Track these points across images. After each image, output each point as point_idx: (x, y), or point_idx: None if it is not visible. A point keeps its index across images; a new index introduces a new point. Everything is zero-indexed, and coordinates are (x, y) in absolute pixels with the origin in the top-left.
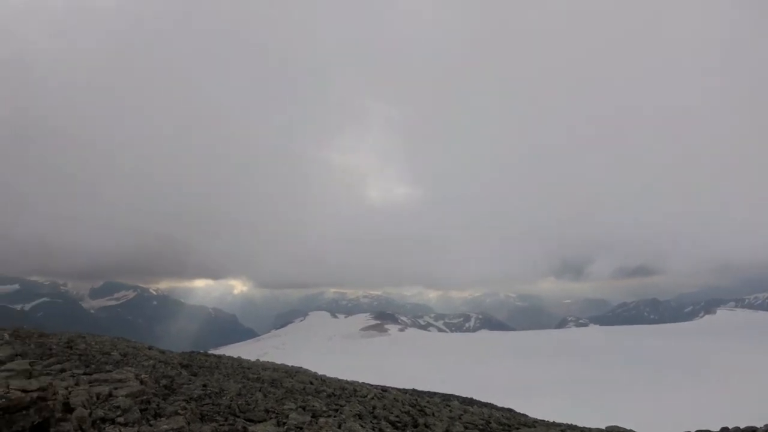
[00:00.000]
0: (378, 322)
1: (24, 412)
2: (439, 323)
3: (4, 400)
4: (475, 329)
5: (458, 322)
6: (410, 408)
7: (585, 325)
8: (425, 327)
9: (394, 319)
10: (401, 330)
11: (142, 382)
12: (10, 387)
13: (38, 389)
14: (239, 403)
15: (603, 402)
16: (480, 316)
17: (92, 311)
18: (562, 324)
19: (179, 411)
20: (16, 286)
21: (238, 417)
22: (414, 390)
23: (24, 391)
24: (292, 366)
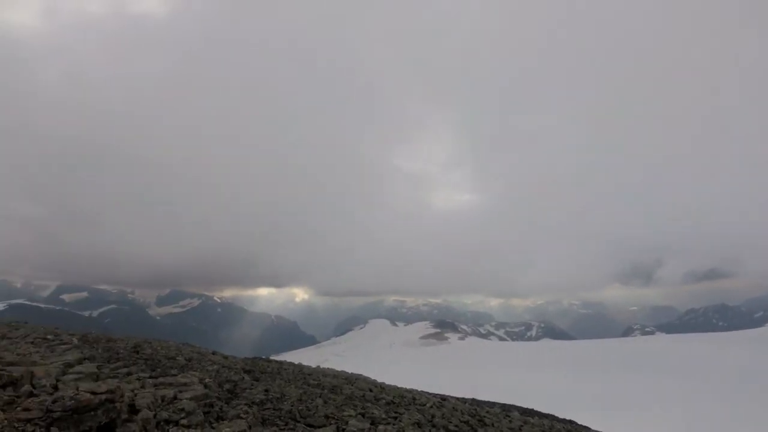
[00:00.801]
0: (438, 330)
1: (92, 413)
2: (500, 332)
3: (73, 401)
4: (536, 338)
5: (519, 331)
6: (469, 418)
7: (651, 333)
8: (486, 335)
9: (454, 328)
10: (461, 338)
11: (205, 386)
12: (80, 389)
13: (106, 391)
14: (300, 408)
15: (673, 416)
16: (542, 325)
17: (158, 318)
18: (627, 332)
19: (241, 415)
20: (85, 294)
21: (299, 422)
22: (473, 399)
23: (93, 393)
24: (352, 373)
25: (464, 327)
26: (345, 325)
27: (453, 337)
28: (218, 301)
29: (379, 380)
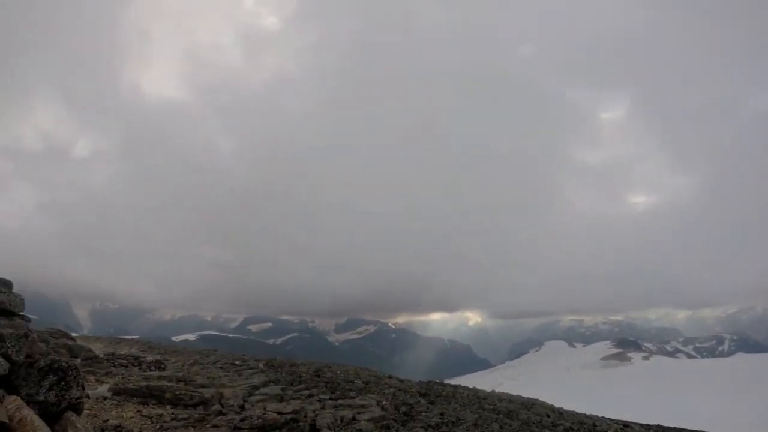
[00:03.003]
0: (619, 350)
1: (277, 431)
2: (688, 348)
3: (260, 419)
4: (729, 353)
5: (710, 346)
6: None
7: None
8: (672, 353)
9: (637, 346)
10: (645, 358)
11: (383, 408)
12: (267, 409)
13: (292, 411)
14: None
15: None
16: (734, 337)
17: (337, 344)
18: None
19: None
20: (269, 324)
21: None
22: (659, 426)
23: (279, 413)
24: (528, 398)
25: (648, 345)
26: (519, 347)
27: (636, 356)
28: (392, 327)
29: (557, 405)
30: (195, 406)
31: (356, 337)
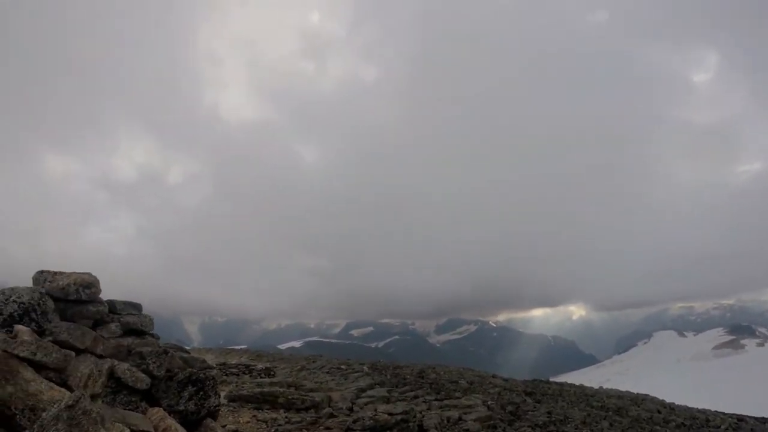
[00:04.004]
0: (732, 337)
1: (388, 431)
2: None
3: (372, 421)
4: None
5: None
6: None
7: None
8: None
9: (751, 332)
10: (760, 344)
11: (489, 408)
12: (378, 410)
13: (402, 413)
14: None
15: None
16: None
17: (438, 345)
18: None
19: None
20: (371, 328)
21: None
22: None
23: (390, 414)
24: (637, 393)
25: (763, 330)
26: (626, 340)
27: (750, 343)
28: (493, 325)
29: (668, 400)
30: (306, 409)
31: (457, 337)
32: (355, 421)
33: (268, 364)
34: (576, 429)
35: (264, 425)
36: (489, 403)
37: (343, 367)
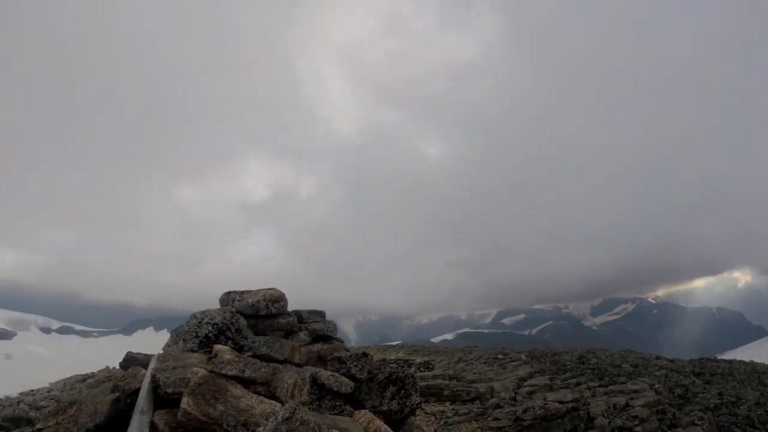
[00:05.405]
0: None
1: (559, 420)
2: None
3: (543, 410)
4: None
5: None
6: None
7: None
8: None
9: None
10: None
11: (656, 392)
12: (547, 399)
13: (572, 400)
14: (758, 413)
15: None
16: None
17: (594, 328)
18: None
19: (696, 421)
20: (523, 316)
21: (758, 429)
22: None
23: (560, 402)
24: None
25: None
26: None
27: None
28: (653, 302)
29: None
30: (472, 401)
31: (614, 318)
32: (525, 411)
33: (425, 358)
34: (749, 411)
35: (432, 418)
36: (656, 386)
37: (500, 356)
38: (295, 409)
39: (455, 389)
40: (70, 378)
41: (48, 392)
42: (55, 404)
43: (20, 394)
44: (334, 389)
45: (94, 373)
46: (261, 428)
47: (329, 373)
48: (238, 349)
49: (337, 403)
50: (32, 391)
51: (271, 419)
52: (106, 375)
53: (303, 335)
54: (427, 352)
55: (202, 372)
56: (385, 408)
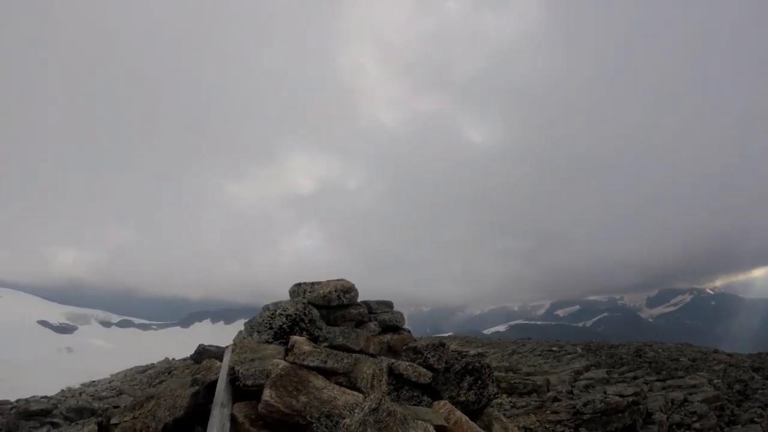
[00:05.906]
0: None
1: (620, 414)
2: None
3: (603, 404)
4: None
5: None
6: None
7: None
8: None
9: None
10: None
11: (715, 388)
12: (607, 392)
13: (633, 394)
14: None
15: None
16: None
17: (650, 320)
18: None
19: (755, 419)
20: (577, 307)
21: None
22: None
23: (621, 396)
24: None
25: None
26: None
27: None
28: (711, 293)
29: None
30: (529, 393)
31: (671, 309)
32: (585, 404)
33: (479, 350)
34: None
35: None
36: (715, 381)
37: (554, 349)
38: (381, 399)
39: (512, 381)
40: (131, 369)
41: (109, 383)
42: (131, 399)
43: (82, 385)
44: (413, 379)
45: (153, 364)
46: (347, 419)
47: (407, 363)
48: (313, 339)
49: (415, 394)
50: (93, 382)
51: (356, 410)
52: (166, 366)
53: (373, 326)
54: (480, 343)
55: (283, 363)
56: (463, 398)
